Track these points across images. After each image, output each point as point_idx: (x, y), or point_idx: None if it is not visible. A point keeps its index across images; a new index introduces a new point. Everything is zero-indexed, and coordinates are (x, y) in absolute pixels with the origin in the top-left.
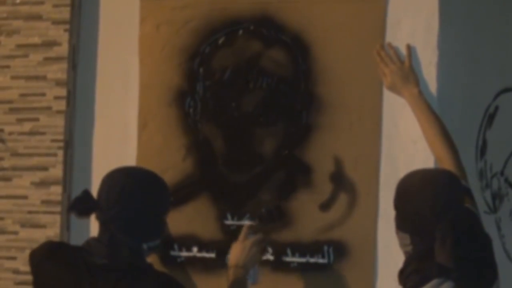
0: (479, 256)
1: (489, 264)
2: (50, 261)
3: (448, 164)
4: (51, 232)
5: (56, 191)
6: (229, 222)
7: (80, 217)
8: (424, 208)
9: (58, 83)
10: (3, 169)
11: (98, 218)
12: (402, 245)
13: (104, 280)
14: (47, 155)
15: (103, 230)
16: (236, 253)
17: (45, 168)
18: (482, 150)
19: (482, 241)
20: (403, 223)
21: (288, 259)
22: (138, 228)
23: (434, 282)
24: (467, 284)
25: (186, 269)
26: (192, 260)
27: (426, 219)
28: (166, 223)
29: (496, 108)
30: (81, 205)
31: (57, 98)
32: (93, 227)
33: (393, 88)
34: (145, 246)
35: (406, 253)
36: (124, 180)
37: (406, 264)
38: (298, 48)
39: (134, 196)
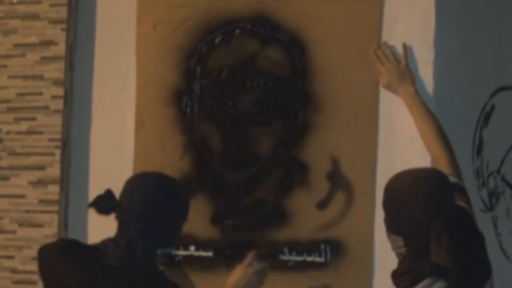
0: (472, 254)
1: (482, 262)
2: (63, 260)
3: (443, 163)
4: (49, 231)
5: (53, 190)
6: (226, 221)
7: (100, 214)
8: (417, 209)
9: (55, 82)
10: (0, 168)
11: (117, 218)
12: (395, 247)
13: (116, 283)
14: (44, 154)
15: (122, 232)
16: (237, 277)
17: (42, 167)
18: (478, 149)
19: (475, 239)
20: (395, 225)
21: (285, 257)
22: (156, 233)
23: (426, 281)
24: (459, 282)
25: (184, 268)
26: (190, 259)
27: (419, 220)
28: (181, 232)
29: (493, 106)
30: (103, 203)
31: (54, 97)
32: (91, 226)
33: (389, 87)
34: (159, 252)
35: (399, 255)
36: (149, 185)
37: (399, 265)
38: (294, 47)
39: (157, 201)
